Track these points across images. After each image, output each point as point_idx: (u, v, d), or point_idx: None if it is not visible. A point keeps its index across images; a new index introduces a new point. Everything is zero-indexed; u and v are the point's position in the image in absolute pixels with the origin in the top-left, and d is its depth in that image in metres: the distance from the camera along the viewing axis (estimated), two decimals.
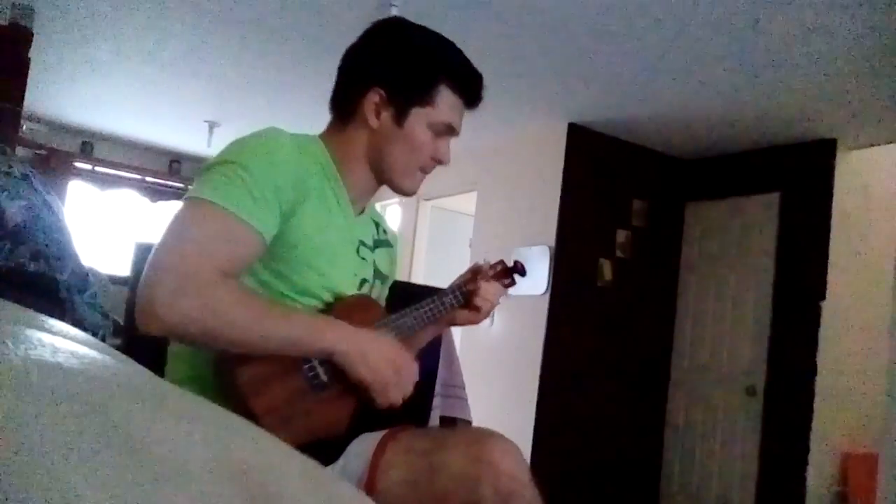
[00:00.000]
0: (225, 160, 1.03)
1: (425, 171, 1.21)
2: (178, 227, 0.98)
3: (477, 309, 1.27)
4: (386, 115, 1.15)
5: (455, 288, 1.27)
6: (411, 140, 1.16)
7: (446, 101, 1.16)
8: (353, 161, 1.18)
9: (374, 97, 1.14)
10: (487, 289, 1.27)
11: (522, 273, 1.37)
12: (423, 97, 1.15)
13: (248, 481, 0.29)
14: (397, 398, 1.07)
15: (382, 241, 1.31)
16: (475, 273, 1.30)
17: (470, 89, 1.19)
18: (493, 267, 1.34)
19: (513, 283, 1.37)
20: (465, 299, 1.27)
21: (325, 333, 1.02)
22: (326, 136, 1.21)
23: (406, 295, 1.28)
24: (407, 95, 1.15)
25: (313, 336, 1.01)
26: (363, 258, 1.22)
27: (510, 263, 1.38)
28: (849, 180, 4.14)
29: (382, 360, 1.04)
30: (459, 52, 1.19)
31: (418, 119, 1.15)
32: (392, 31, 1.21)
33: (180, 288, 0.92)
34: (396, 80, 1.15)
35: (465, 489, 0.94)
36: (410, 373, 1.08)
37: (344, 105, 1.19)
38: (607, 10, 2.96)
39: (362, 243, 1.22)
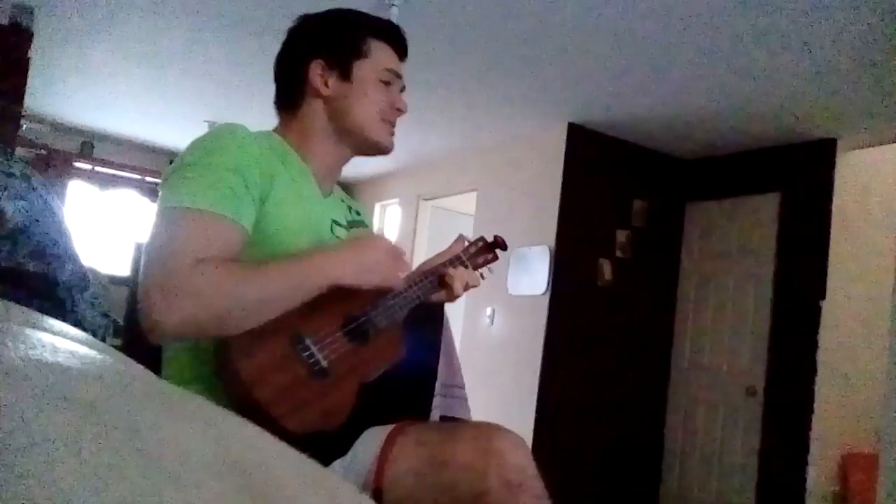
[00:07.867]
0: (183, 163, 1.06)
1: (390, 120, 1.27)
2: (151, 242, 1.00)
3: (450, 291, 1.29)
4: (332, 79, 1.22)
5: (432, 273, 1.29)
6: (364, 88, 1.23)
7: (380, 51, 1.25)
8: (314, 139, 1.24)
9: (316, 68, 1.22)
10: (462, 275, 1.29)
11: (504, 247, 1.41)
12: (358, 51, 1.23)
13: (247, 480, 0.29)
14: (404, 269, 1.16)
15: (357, 222, 1.34)
16: (452, 258, 1.32)
17: (395, 37, 1.28)
18: (474, 244, 1.37)
19: (496, 258, 1.41)
20: (439, 283, 1.29)
21: (321, 268, 1.05)
22: (280, 129, 1.27)
23: None
24: (343, 53, 1.23)
25: (311, 275, 1.04)
26: (339, 237, 1.25)
27: (490, 239, 1.41)
28: (849, 180, 4.14)
29: (375, 257, 1.10)
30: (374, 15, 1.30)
31: (362, 70, 1.23)
32: (311, 18, 1.30)
33: (167, 291, 0.94)
34: (329, 44, 1.24)
35: (472, 480, 0.95)
36: (392, 246, 1.14)
37: (290, 91, 1.26)
38: (607, 10, 2.96)
39: (335, 222, 1.26)
